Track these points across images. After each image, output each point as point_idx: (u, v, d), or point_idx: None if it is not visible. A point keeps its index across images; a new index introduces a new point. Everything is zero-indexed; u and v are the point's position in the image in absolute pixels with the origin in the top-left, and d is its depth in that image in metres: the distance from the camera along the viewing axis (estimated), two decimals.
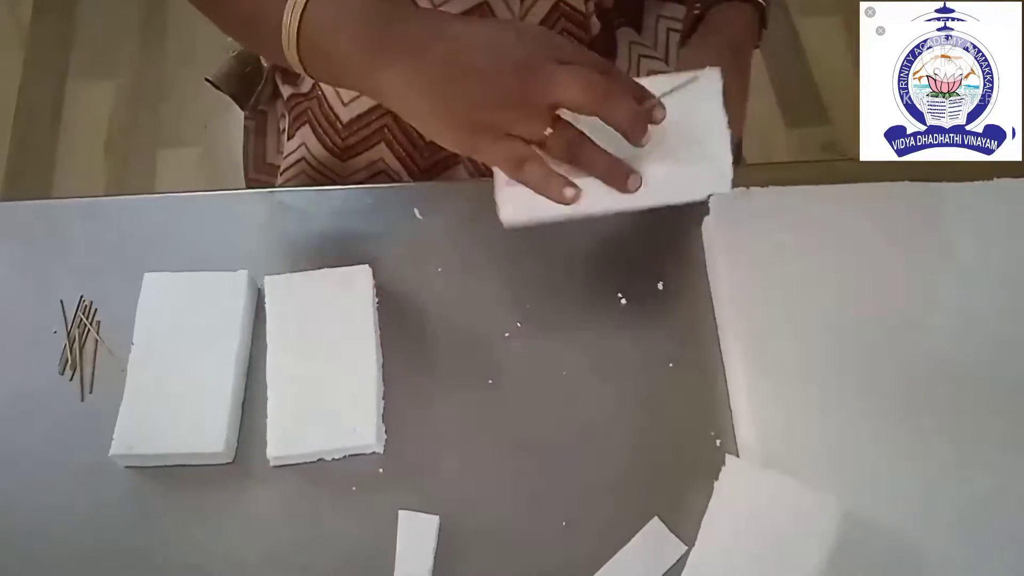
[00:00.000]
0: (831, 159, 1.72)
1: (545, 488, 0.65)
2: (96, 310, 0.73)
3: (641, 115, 0.57)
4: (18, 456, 0.67)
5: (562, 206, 0.59)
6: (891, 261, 0.74)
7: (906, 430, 0.66)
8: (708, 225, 0.76)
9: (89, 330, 0.72)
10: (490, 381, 0.69)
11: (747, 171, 0.94)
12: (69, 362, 0.70)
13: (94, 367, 0.70)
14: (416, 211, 0.77)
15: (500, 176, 0.63)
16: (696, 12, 0.75)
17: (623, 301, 0.73)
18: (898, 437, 0.66)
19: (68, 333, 0.71)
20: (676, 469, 0.66)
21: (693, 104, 0.63)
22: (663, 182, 0.61)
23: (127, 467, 0.66)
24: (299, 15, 0.57)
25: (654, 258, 0.76)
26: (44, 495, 0.65)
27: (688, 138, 0.62)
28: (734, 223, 0.75)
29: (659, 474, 0.66)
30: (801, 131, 1.77)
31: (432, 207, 0.78)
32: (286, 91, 0.91)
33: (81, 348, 0.71)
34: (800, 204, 0.76)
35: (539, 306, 0.73)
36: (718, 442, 0.67)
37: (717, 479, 0.61)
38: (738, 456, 0.65)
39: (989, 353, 0.69)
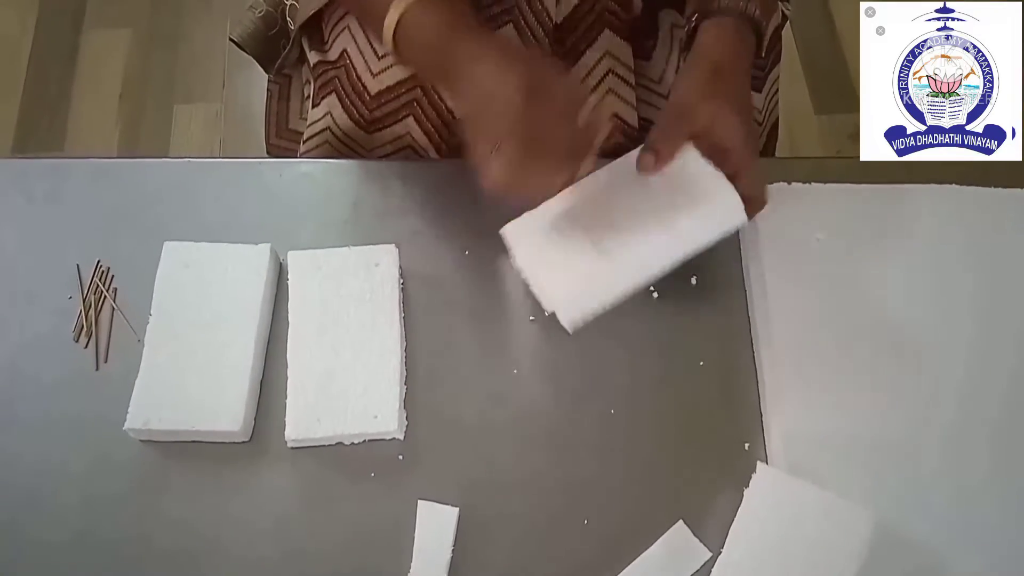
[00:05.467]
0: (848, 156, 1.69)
1: (567, 484, 0.64)
2: (113, 276, 0.71)
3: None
4: (30, 424, 0.65)
5: (616, 288, 0.63)
6: (931, 267, 0.71)
7: (939, 442, 0.64)
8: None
9: (105, 297, 0.70)
10: (515, 371, 0.68)
11: (783, 165, 0.92)
12: (84, 329, 0.69)
13: (110, 335, 0.69)
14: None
15: (542, 290, 0.64)
16: (692, 25, 0.74)
17: (655, 295, 0.71)
18: (931, 449, 0.64)
19: (84, 299, 0.70)
20: (703, 472, 0.64)
21: (677, 165, 0.66)
22: (685, 233, 0.65)
23: (141, 440, 0.64)
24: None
25: None
26: (55, 465, 0.64)
27: (688, 191, 0.65)
28: (773, 219, 0.72)
29: (685, 476, 0.64)
30: (830, 118, 1.73)
31: (460, 187, 0.76)
32: (313, 57, 0.88)
33: (97, 315, 0.69)
34: (841, 203, 0.74)
35: None
36: (746, 446, 0.65)
37: (746, 485, 0.60)
38: (767, 462, 0.63)
39: None
